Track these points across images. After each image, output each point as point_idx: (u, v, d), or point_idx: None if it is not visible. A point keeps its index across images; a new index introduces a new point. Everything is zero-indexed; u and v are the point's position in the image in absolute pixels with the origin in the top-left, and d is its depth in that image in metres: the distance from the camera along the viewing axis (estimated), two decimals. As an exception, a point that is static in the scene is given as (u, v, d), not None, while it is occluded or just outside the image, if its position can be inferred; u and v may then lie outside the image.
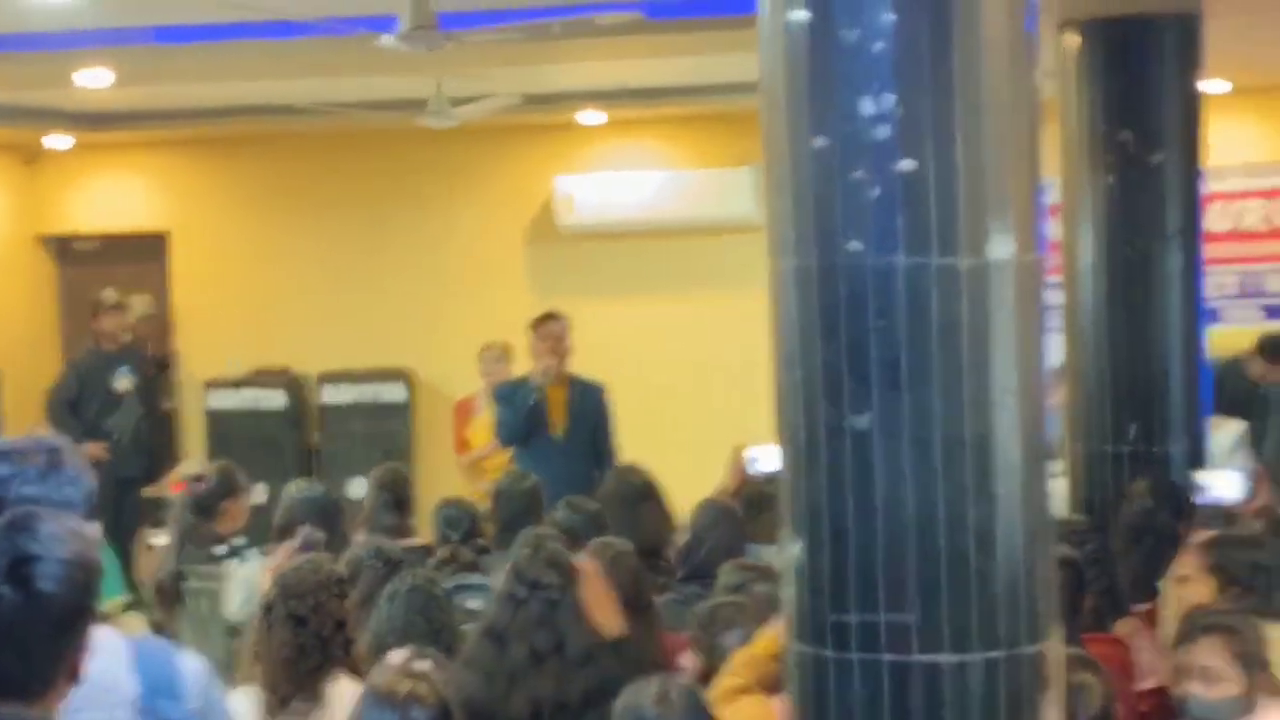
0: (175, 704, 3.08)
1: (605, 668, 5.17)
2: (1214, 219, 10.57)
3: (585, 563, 5.56)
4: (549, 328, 9.22)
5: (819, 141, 3.87)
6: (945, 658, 3.79)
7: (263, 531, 7.36)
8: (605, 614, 5.44)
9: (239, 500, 7.33)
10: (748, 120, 9.80)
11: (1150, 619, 6.31)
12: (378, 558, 6.06)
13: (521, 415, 9.03)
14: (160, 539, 8.04)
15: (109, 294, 11.89)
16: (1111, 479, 7.41)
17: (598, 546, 6.06)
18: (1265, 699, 4.49)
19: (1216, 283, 10.70)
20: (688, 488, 7.52)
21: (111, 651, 3.08)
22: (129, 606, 9.91)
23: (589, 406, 9.20)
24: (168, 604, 7.08)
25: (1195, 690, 4.55)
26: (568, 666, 5.02)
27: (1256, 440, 8.72)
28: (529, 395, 9.01)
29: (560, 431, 9.11)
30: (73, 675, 2.70)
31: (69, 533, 2.67)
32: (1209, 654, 4.54)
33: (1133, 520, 6.78)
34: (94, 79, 9.75)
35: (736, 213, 12.14)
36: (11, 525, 2.63)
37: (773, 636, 5.06)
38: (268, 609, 5.02)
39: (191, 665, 3.23)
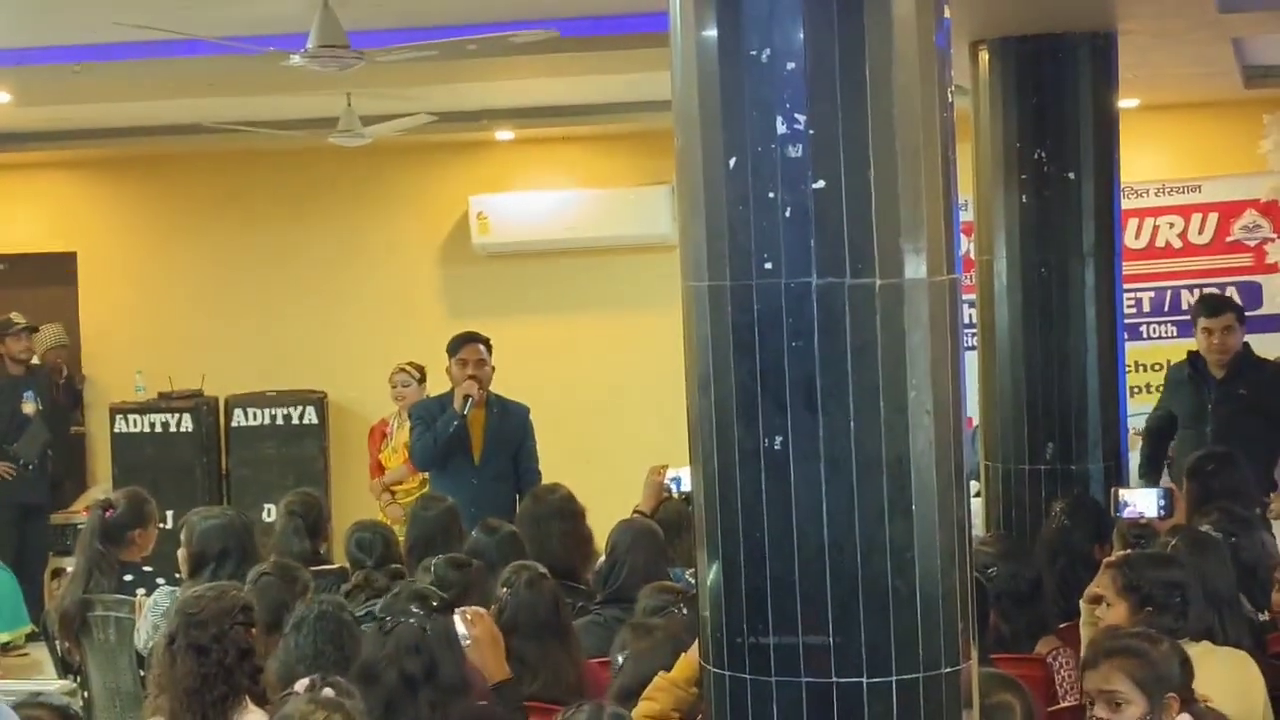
0: None
1: (487, 702, 5.13)
2: (1130, 236, 10.65)
3: (471, 610, 5.51)
4: (469, 349, 8.91)
5: (732, 161, 3.83)
6: (864, 680, 3.76)
7: (170, 558, 7.24)
8: (492, 660, 5.39)
9: (148, 528, 7.21)
10: (664, 139, 9.78)
11: (1070, 637, 6.30)
12: (283, 578, 5.97)
13: (440, 441, 8.83)
14: (68, 566, 7.90)
15: (15, 316, 11.70)
16: (1029, 497, 7.42)
17: (514, 569, 6.00)
18: None
19: (1133, 299, 10.76)
20: (606, 509, 7.47)
21: None
22: (32, 636, 9.76)
23: (510, 427, 8.98)
24: (74, 633, 6.95)
25: (1100, 715, 4.53)
26: (443, 694, 4.96)
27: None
28: (449, 423, 8.76)
29: (477, 454, 8.89)
30: None
31: None
32: (1113, 678, 4.53)
33: (1050, 538, 6.78)
34: (-8, 98, 9.61)
35: (653, 231, 12.12)
36: None
37: (691, 661, 5.01)
38: (170, 639, 4.93)
39: None
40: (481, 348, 8.93)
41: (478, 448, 8.88)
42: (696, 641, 5.03)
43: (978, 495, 7.63)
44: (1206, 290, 10.59)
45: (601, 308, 12.14)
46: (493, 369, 9.00)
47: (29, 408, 11.45)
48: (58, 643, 7.14)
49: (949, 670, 3.83)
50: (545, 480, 8.50)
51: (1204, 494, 6.95)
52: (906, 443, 3.77)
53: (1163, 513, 6.75)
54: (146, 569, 7.18)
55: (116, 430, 12.43)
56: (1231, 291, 10.62)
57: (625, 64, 8.79)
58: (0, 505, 11.26)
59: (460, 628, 5.36)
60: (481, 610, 5.60)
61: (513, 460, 8.97)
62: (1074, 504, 6.95)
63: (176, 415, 12.44)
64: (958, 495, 3.88)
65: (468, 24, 7.63)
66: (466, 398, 8.75)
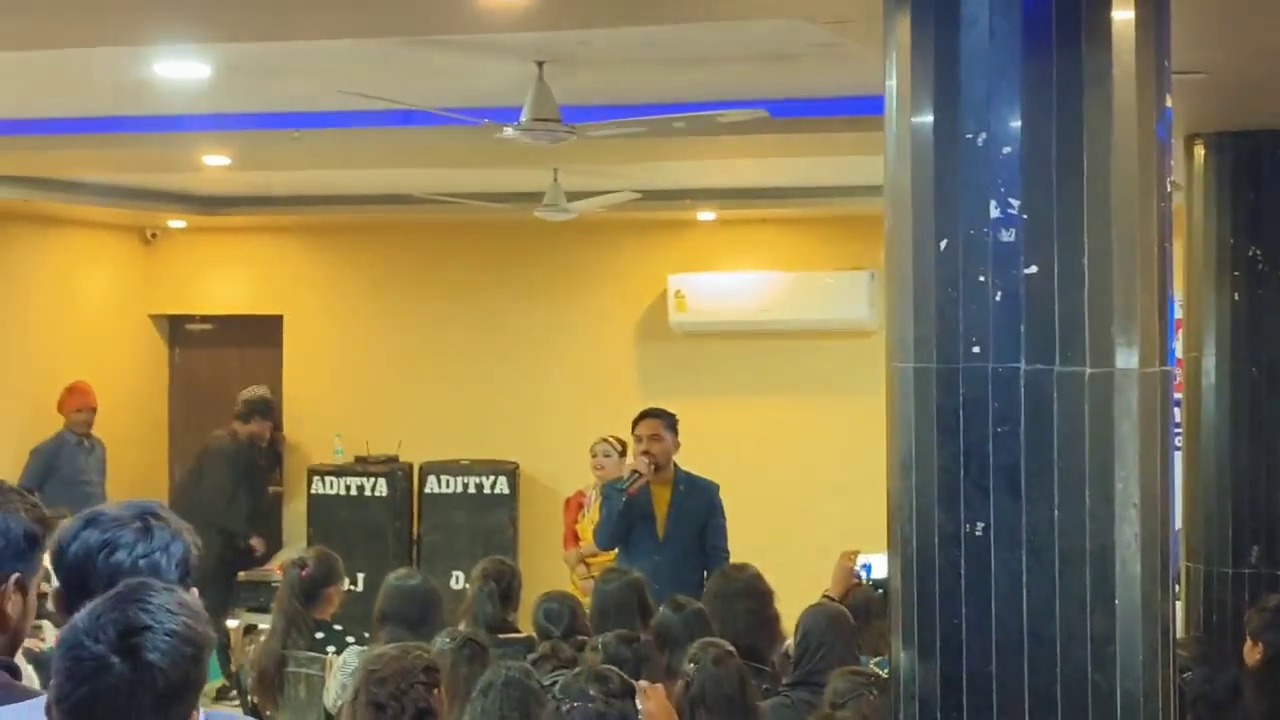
0: None
1: None
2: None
3: (648, 686, 5.48)
4: (645, 424, 8.89)
5: (943, 243, 3.81)
6: (1060, 776, 3.68)
7: (361, 619, 7.32)
8: None
9: (339, 585, 7.32)
10: (864, 223, 9.76)
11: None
12: (466, 646, 6.00)
13: (613, 517, 8.80)
14: (261, 623, 8.02)
15: (259, 391, 12.25)
16: (1231, 600, 7.24)
17: (701, 645, 5.98)
18: None
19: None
20: (794, 593, 7.41)
21: None
22: (222, 692, 9.93)
23: (696, 505, 8.89)
24: (270, 690, 7.05)
25: None
26: None
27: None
28: (620, 495, 8.75)
29: (661, 530, 8.82)
30: None
31: (179, 605, 2.64)
32: None
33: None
34: (213, 162, 9.87)
35: (850, 317, 12.07)
36: (122, 595, 2.61)
37: None
38: (354, 695, 4.98)
39: None
40: (659, 423, 8.88)
41: (661, 524, 8.83)
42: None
43: (1178, 598, 7.46)
44: None
45: (795, 391, 12.11)
46: (676, 445, 8.93)
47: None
48: (250, 696, 7.25)
49: (1149, 770, 3.74)
50: (733, 560, 8.45)
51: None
52: (1112, 534, 3.71)
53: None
54: (338, 627, 7.28)
55: (313, 491, 12.65)
56: None
57: (831, 147, 8.79)
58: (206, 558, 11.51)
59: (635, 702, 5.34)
60: (658, 685, 5.57)
61: (699, 538, 8.89)
62: (1273, 610, 6.76)
63: (372, 479, 12.62)
64: (1163, 591, 3.80)
65: (676, 103, 7.69)
66: (634, 473, 8.73)
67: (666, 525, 8.84)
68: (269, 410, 12.47)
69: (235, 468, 11.87)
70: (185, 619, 2.63)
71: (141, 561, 3.00)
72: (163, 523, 3.08)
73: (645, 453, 8.77)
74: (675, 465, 8.92)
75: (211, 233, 13.33)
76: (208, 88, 7.57)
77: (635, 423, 8.97)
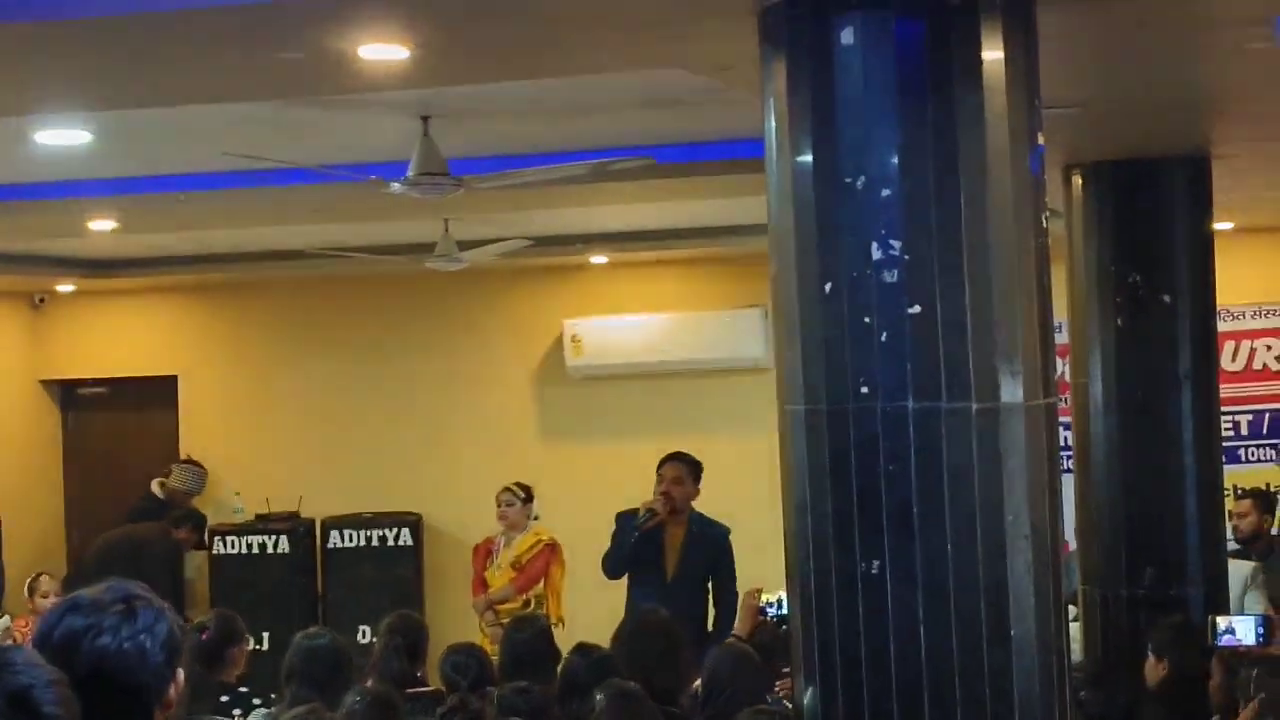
0: None
1: None
2: (1226, 359, 10.56)
3: None
4: (669, 467, 9.15)
5: (827, 286, 3.87)
6: (962, 809, 3.73)
7: (264, 680, 7.26)
8: None
9: (241, 646, 7.27)
10: (756, 262, 9.80)
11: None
12: (375, 705, 5.96)
13: (623, 549, 8.99)
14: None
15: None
16: (1127, 623, 7.33)
17: (606, 685, 5.99)
18: None
19: (1230, 422, 10.65)
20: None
21: None
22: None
23: (705, 547, 9.10)
24: (176, 755, 6.97)
25: None
26: None
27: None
28: (633, 531, 8.95)
29: (670, 570, 9.04)
30: None
31: (35, 658, 2.64)
32: None
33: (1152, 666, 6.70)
34: (97, 224, 9.80)
35: (746, 355, 12.14)
36: None
37: None
38: (264, 762, 4.94)
39: None
40: (684, 469, 9.13)
41: (671, 564, 9.04)
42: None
43: (1075, 620, 7.54)
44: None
45: (695, 430, 12.13)
46: (696, 492, 9.15)
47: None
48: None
49: (1049, 798, 3.80)
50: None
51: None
52: (1005, 566, 3.77)
53: (1261, 639, 6.66)
54: (243, 690, 7.22)
55: (214, 551, 12.54)
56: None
57: (719, 189, 8.86)
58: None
59: None
60: None
61: (706, 579, 9.07)
62: (1176, 629, 6.87)
63: (274, 537, 12.53)
64: (1056, 620, 3.87)
65: (564, 151, 7.73)
66: (650, 511, 8.94)
67: (677, 565, 9.04)
68: (202, 524, 12.37)
69: (175, 576, 11.69)
70: (44, 668, 2.63)
71: (127, 644, 2.97)
72: (146, 603, 3.05)
73: (665, 493, 9.00)
74: (691, 508, 9.15)
75: (101, 295, 13.22)
76: (90, 153, 7.53)
77: (661, 464, 9.21)
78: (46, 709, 2.56)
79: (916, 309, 3.79)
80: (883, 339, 3.81)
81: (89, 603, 3.03)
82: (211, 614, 7.55)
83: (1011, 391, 3.82)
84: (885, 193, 3.83)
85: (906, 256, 3.81)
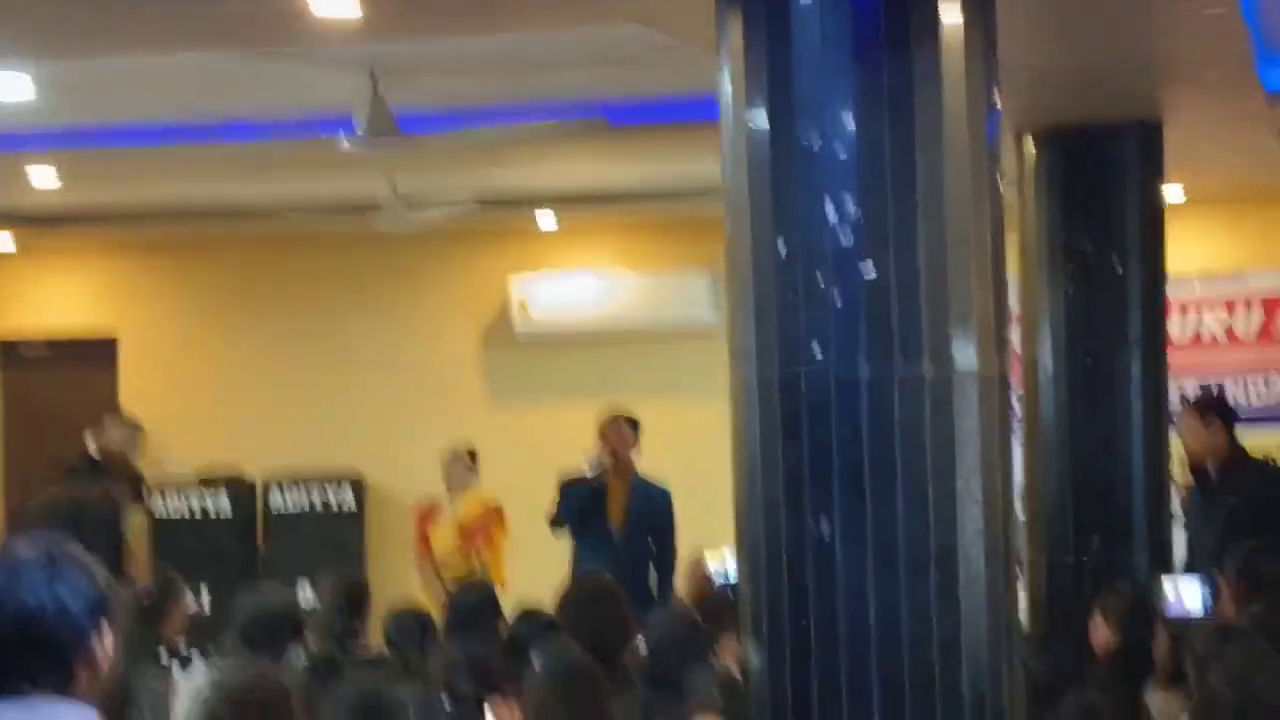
0: None
1: None
2: (1173, 328, 10.58)
3: (500, 701, 5.47)
4: (609, 424, 9.41)
5: (781, 248, 3.83)
6: (910, 773, 3.72)
7: (206, 637, 7.21)
8: None
9: (180, 603, 7.21)
10: (708, 225, 9.77)
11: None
12: (319, 664, 5.93)
13: (570, 502, 9.17)
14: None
15: None
16: (1073, 589, 7.34)
17: (547, 647, 5.96)
18: None
19: (1177, 392, 10.67)
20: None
21: None
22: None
23: (649, 509, 9.26)
24: (114, 712, 6.91)
25: None
26: None
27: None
28: (581, 487, 9.16)
29: (616, 526, 9.18)
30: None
31: None
32: None
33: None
34: (39, 179, 9.66)
35: (696, 318, 12.10)
36: None
37: None
38: (211, 719, 4.87)
39: None
40: (624, 425, 9.40)
41: (617, 520, 9.21)
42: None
43: (1022, 587, 7.56)
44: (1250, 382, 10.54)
45: (641, 394, 12.08)
46: (636, 445, 9.38)
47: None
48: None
49: (997, 764, 3.79)
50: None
51: (1252, 587, 6.87)
52: (955, 533, 3.75)
53: (1208, 607, 6.68)
54: (181, 648, 7.17)
55: (155, 513, 12.43)
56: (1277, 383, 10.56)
57: (672, 150, 8.82)
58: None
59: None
60: (512, 703, 5.55)
61: (650, 540, 9.21)
62: (1127, 596, 6.88)
63: (215, 498, 12.45)
64: (1006, 583, 3.85)
65: (515, 105, 7.66)
66: (597, 457, 9.14)
67: (623, 525, 9.22)
68: (142, 484, 12.26)
69: (116, 538, 11.55)
70: None
71: (47, 601, 2.92)
72: (69, 560, 2.99)
73: (611, 451, 9.23)
74: (634, 472, 9.36)
75: (41, 253, 13.05)
76: (32, 104, 7.41)
77: (603, 424, 9.42)
78: None
79: (871, 273, 3.76)
80: (836, 303, 3.78)
81: (10, 559, 2.98)
82: (149, 569, 7.49)
83: (965, 357, 3.80)
84: (841, 155, 3.80)
85: (862, 219, 3.77)
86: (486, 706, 5.30)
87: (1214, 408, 8.26)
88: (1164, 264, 7.55)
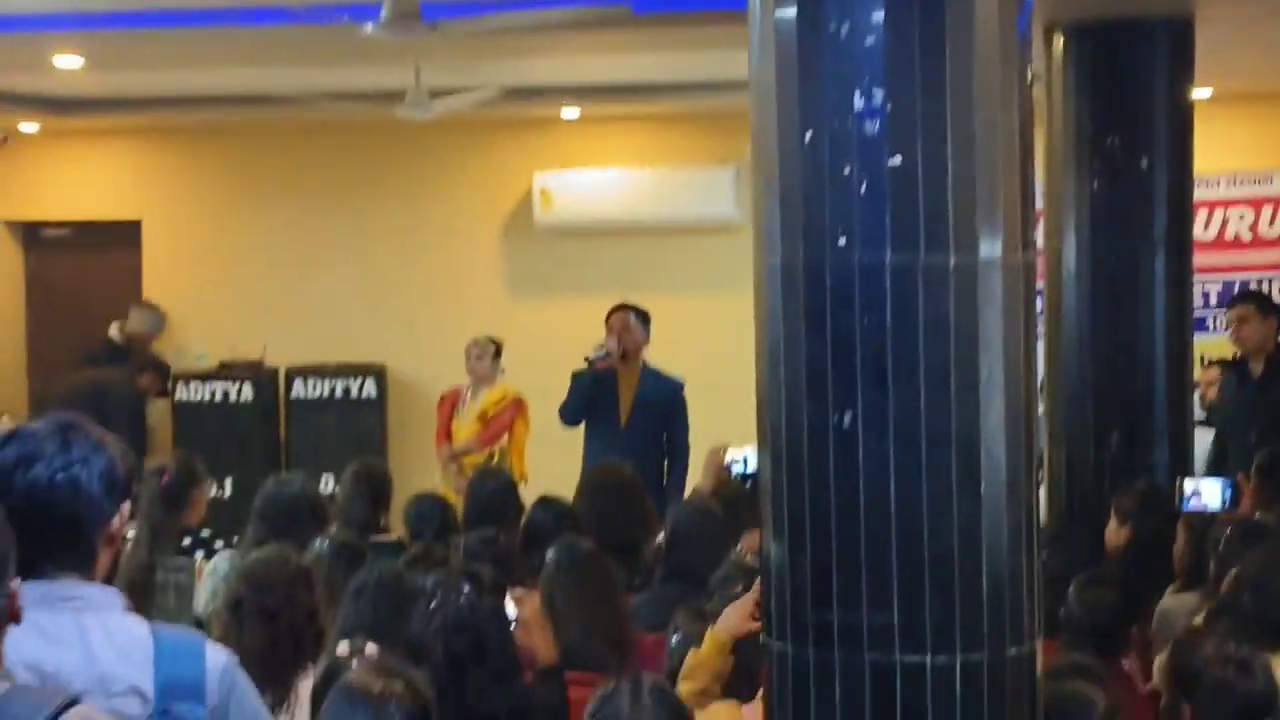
0: (192, 705, 2.92)
1: (536, 688, 5.10)
2: (1198, 227, 10.54)
3: (523, 593, 5.51)
4: (615, 316, 9.40)
5: (808, 136, 3.81)
6: (928, 658, 3.73)
7: (228, 524, 7.26)
8: (541, 642, 5.40)
9: (202, 488, 7.27)
10: (730, 119, 9.75)
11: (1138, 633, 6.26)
12: (342, 550, 5.97)
13: (580, 392, 9.17)
14: (129, 532, 7.93)
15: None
16: (1093, 485, 7.36)
17: (562, 539, 6.01)
18: None
19: (1200, 291, 10.66)
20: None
21: (129, 643, 2.96)
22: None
23: (659, 399, 9.26)
24: (139, 598, 6.98)
25: None
26: (490, 676, 4.92)
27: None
28: (590, 377, 9.19)
29: (624, 417, 9.19)
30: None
31: None
32: None
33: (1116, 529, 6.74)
34: (65, 63, 9.63)
35: (717, 213, 12.08)
36: None
37: (715, 637, 5.03)
38: (236, 604, 4.91)
39: (215, 661, 3.04)
40: (631, 315, 9.39)
41: (625, 411, 9.22)
42: (722, 614, 5.05)
43: (1041, 482, 7.57)
44: (1274, 282, 10.51)
45: (662, 288, 12.10)
46: (646, 339, 9.37)
47: None
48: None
49: (1014, 652, 3.80)
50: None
51: (1273, 488, 6.89)
52: (977, 421, 3.75)
53: (1228, 504, 6.70)
54: (205, 533, 7.23)
55: (178, 398, 12.49)
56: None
57: (697, 42, 8.76)
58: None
59: (510, 609, 5.38)
60: (533, 592, 5.60)
61: (662, 430, 9.25)
62: (1143, 494, 6.90)
63: (237, 385, 12.49)
64: (1028, 476, 3.85)
65: (538, -2, 7.61)
66: (602, 348, 9.16)
67: (630, 413, 9.21)
68: (166, 371, 12.32)
69: (138, 423, 11.60)
70: None
71: (60, 475, 2.92)
72: (82, 435, 3.00)
73: (616, 337, 9.24)
74: (644, 361, 9.35)
75: (66, 136, 13.05)
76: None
77: (610, 313, 9.43)
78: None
79: (897, 161, 3.74)
80: (862, 190, 3.75)
81: (26, 434, 2.99)
82: (171, 456, 7.53)
83: (990, 246, 3.78)
84: (869, 41, 3.76)
85: (889, 107, 3.75)
86: (507, 594, 5.36)
87: (1269, 302, 8.31)
88: (1191, 162, 7.51)
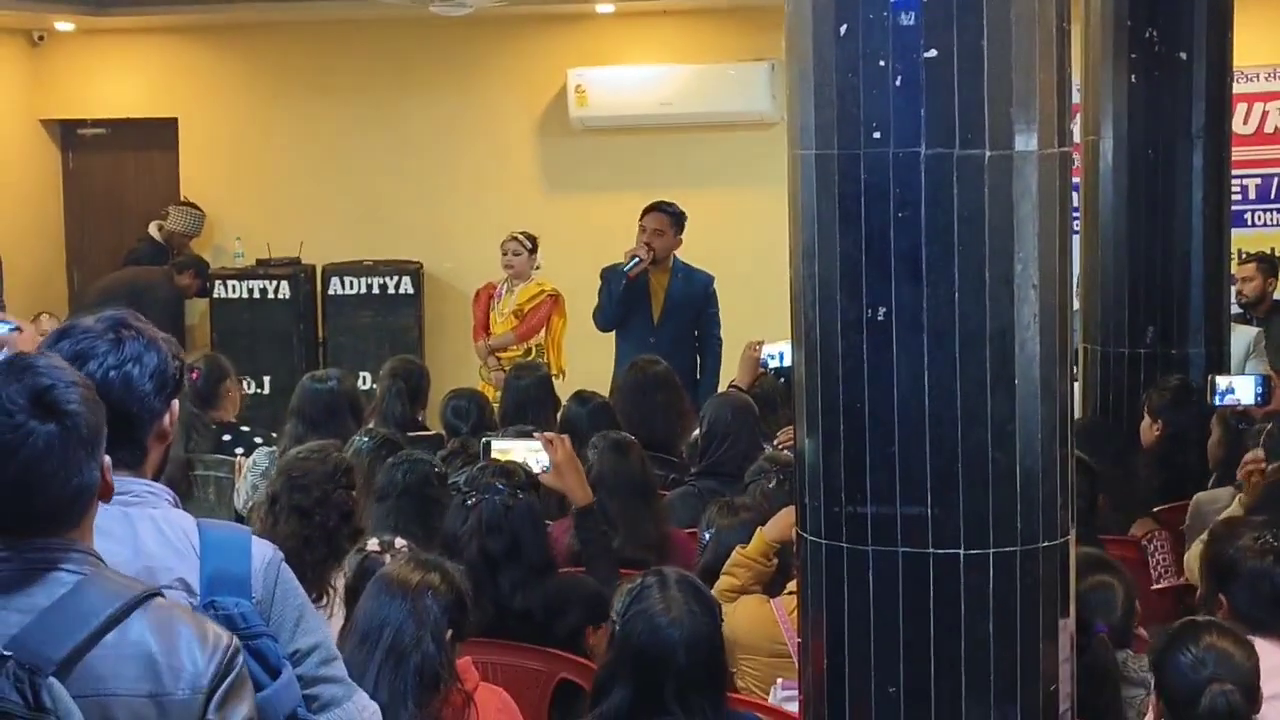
0: (237, 599, 2.92)
1: (568, 581, 5.15)
2: (1237, 121, 10.44)
3: (555, 436, 5.56)
4: (651, 217, 9.28)
5: (843, 28, 3.79)
6: (961, 551, 3.76)
7: (265, 420, 7.31)
8: (574, 484, 5.45)
9: (232, 382, 7.32)
10: (766, 14, 9.67)
11: (1169, 520, 6.28)
12: (382, 447, 6.00)
13: (614, 299, 9.11)
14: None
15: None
16: (1127, 381, 7.35)
17: (601, 435, 6.04)
18: None
19: (1239, 186, 10.58)
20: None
21: (176, 536, 3.00)
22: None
23: (690, 293, 9.25)
24: (178, 495, 7.04)
25: None
26: (524, 573, 4.97)
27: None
28: (620, 279, 9.08)
29: (656, 315, 9.19)
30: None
31: (58, 361, 2.69)
32: None
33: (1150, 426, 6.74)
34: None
35: (752, 108, 12.02)
36: (7, 371, 2.59)
37: (765, 536, 5.06)
38: (273, 500, 4.95)
39: (260, 555, 3.04)
40: (666, 219, 9.26)
41: (658, 309, 9.21)
42: (773, 518, 5.08)
43: (1075, 378, 7.57)
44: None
45: (697, 184, 12.07)
46: (678, 241, 9.28)
47: None
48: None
49: (1047, 545, 3.82)
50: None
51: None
52: (1011, 315, 3.75)
53: (1260, 400, 6.69)
54: (244, 429, 7.28)
55: (215, 295, 12.54)
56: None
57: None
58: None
59: (541, 453, 5.43)
60: (564, 436, 5.63)
61: (693, 326, 9.26)
62: (1174, 390, 6.90)
63: (274, 282, 12.51)
64: (1061, 370, 3.86)
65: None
66: (633, 258, 9.07)
67: (663, 311, 9.20)
68: (205, 270, 12.36)
69: (176, 321, 11.63)
70: (68, 372, 2.65)
71: (113, 373, 2.94)
72: (134, 333, 3.01)
73: (648, 242, 9.12)
74: (674, 256, 9.29)
75: (102, 34, 13.03)
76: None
77: (643, 214, 9.32)
78: (67, 406, 2.59)
79: (933, 53, 3.72)
80: (897, 83, 3.74)
81: (80, 330, 3.01)
82: (198, 354, 7.57)
83: (1026, 139, 3.76)
84: (905, -68, 3.74)
85: (924, -1, 3.72)
86: (537, 440, 5.46)
87: None
88: (1230, 55, 7.43)
